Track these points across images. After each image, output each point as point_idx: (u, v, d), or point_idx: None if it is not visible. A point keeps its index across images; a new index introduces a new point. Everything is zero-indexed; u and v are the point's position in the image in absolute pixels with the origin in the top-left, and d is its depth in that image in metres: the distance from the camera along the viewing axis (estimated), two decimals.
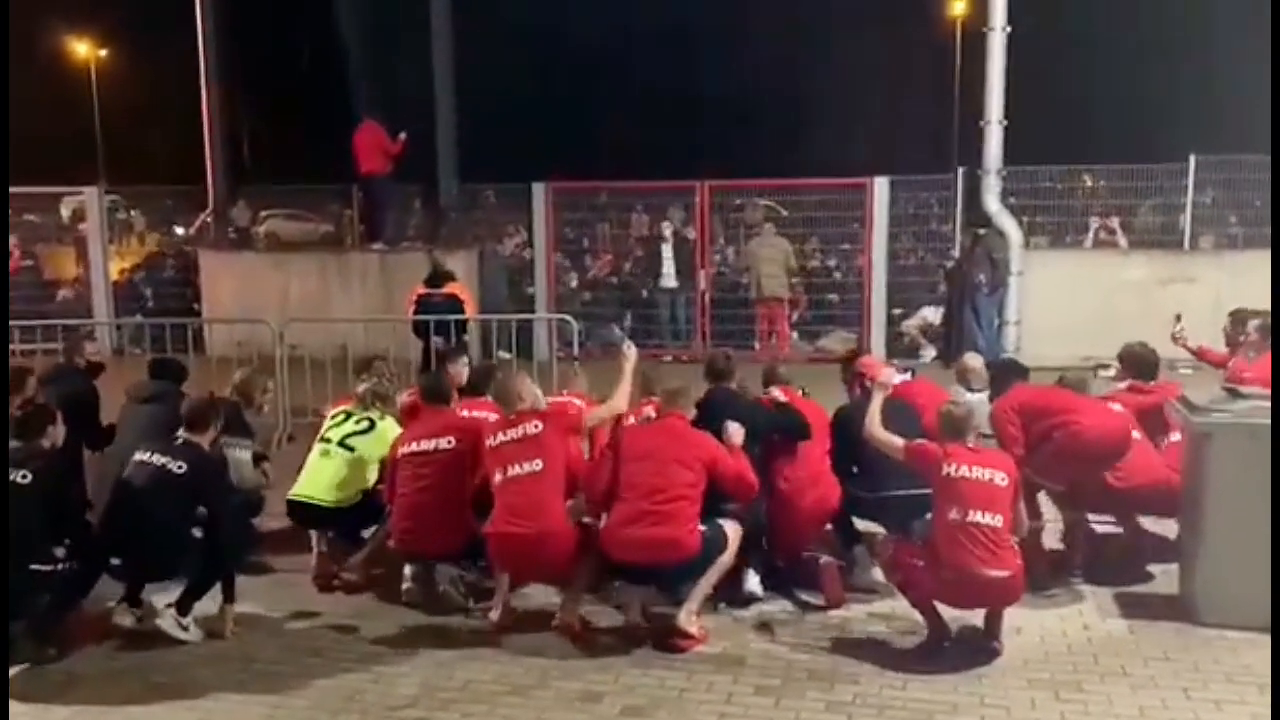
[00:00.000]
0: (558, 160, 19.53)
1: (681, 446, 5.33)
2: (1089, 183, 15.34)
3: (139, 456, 5.37)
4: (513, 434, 5.37)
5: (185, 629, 5.26)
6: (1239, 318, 6.71)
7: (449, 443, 5.68)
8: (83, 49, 36.69)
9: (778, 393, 6.00)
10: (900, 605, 5.32)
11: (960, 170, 14.21)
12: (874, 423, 5.47)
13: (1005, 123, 12.83)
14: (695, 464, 5.26)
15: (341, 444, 6.13)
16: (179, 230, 17.89)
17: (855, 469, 5.94)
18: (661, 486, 5.18)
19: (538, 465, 5.28)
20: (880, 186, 13.70)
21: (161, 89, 25.83)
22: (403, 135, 13.93)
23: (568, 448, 5.55)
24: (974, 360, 7.24)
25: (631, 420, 6.02)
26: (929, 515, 5.21)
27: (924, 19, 30.38)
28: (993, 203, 13.00)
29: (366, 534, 6.16)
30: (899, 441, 5.32)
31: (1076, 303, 12.36)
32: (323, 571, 6.05)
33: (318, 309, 12.58)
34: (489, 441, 5.43)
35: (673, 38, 30.28)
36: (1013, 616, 5.15)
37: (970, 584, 4.85)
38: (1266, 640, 5.06)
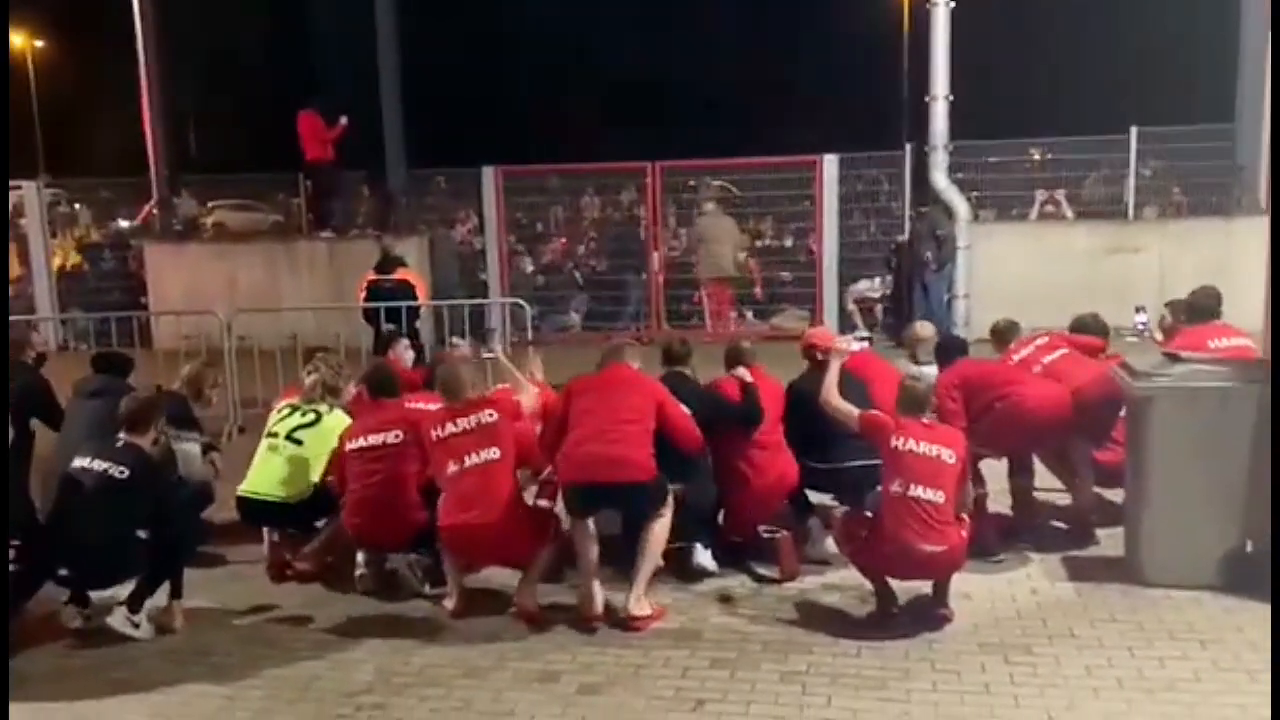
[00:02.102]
0: (507, 144, 19.43)
1: (631, 387, 5.49)
2: (1036, 156, 15.52)
3: (79, 463, 5.26)
4: (465, 424, 5.33)
5: (137, 626, 5.19)
6: (1177, 307, 6.86)
7: (396, 436, 5.63)
8: (19, 40, 35.86)
9: (744, 373, 5.95)
10: (852, 575, 5.38)
11: (909, 146, 14.32)
12: (831, 391, 5.51)
13: (951, 98, 12.93)
14: (646, 400, 5.39)
15: (289, 438, 6.05)
16: (124, 223, 17.58)
17: (809, 441, 5.99)
18: (615, 409, 5.31)
19: (495, 453, 5.27)
20: (830, 164, 13.79)
21: (101, 79, 25.33)
22: (342, 121, 13.79)
23: (517, 432, 5.54)
24: (924, 330, 7.19)
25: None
26: (880, 487, 5.27)
27: None
28: (940, 178, 13.11)
29: (319, 524, 6.12)
30: (854, 410, 5.35)
31: (1025, 274, 12.53)
32: (276, 562, 6.01)
33: (266, 299, 12.42)
34: (435, 433, 5.37)
35: (620, 19, 30.15)
36: (962, 583, 5.23)
37: (907, 556, 4.92)
38: (1209, 598, 5.22)
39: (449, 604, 5.41)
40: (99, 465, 5.20)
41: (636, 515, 5.35)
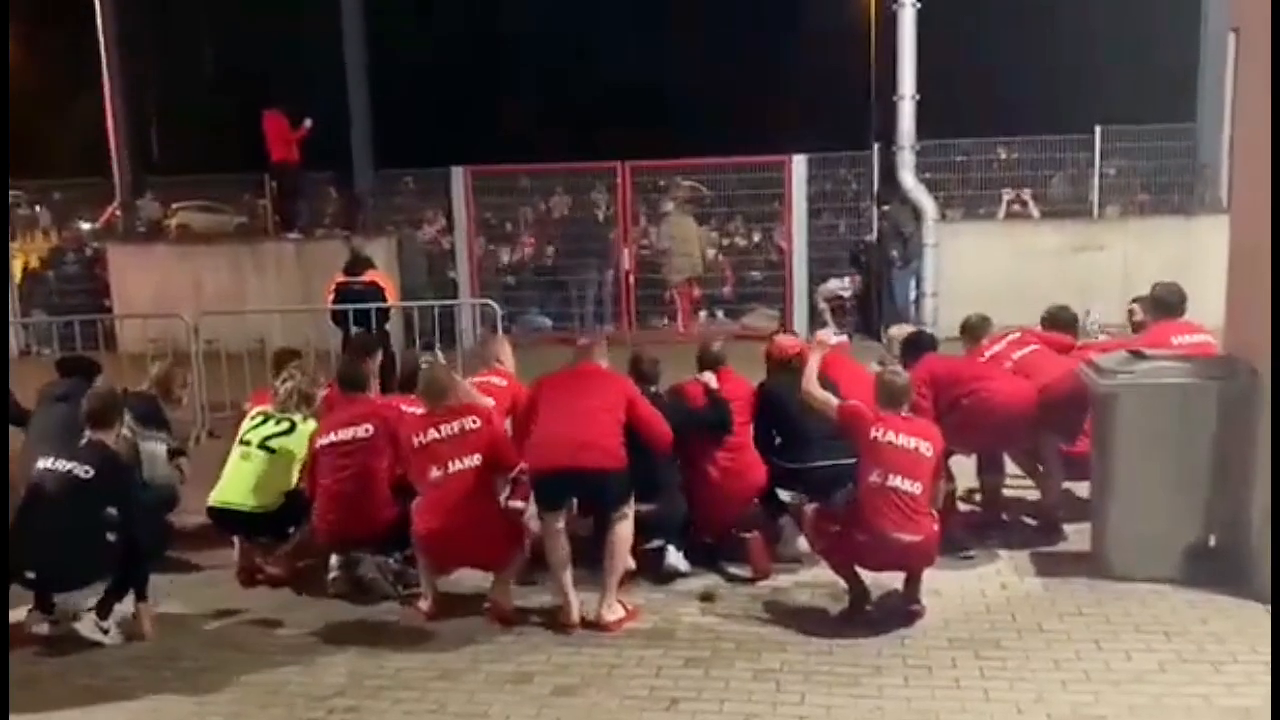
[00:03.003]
0: (476, 144, 19.35)
1: (600, 382, 5.49)
2: (1004, 155, 15.64)
3: (43, 464, 5.19)
4: (447, 430, 5.31)
5: (105, 631, 5.15)
6: (1145, 303, 6.95)
7: (366, 430, 5.63)
8: None
9: (710, 378, 5.99)
10: (824, 573, 5.42)
11: (876, 146, 14.41)
12: (812, 381, 5.52)
13: (917, 97, 13.02)
14: (616, 393, 5.39)
15: (262, 446, 5.99)
16: (85, 225, 17.36)
17: (780, 441, 6.02)
18: (585, 400, 5.31)
19: (477, 460, 5.27)
20: (798, 164, 13.85)
21: (63, 79, 25.00)
22: (307, 123, 13.68)
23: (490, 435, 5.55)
24: (898, 331, 7.21)
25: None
26: (850, 485, 5.31)
27: None
28: (907, 177, 13.19)
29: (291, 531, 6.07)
30: (834, 401, 5.37)
31: (992, 273, 12.63)
32: (246, 566, 5.95)
33: (233, 301, 12.32)
34: (417, 439, 5.33)
35: (590, 17, 30.12)
36: (933, 579, 5.27)
37: (884, 546, 4.96)
38: (1173, 591, 5.30)
39: (423, 605, 5.39)
40: (63, 466, 5.14)
41: (604, 505, 5.32)
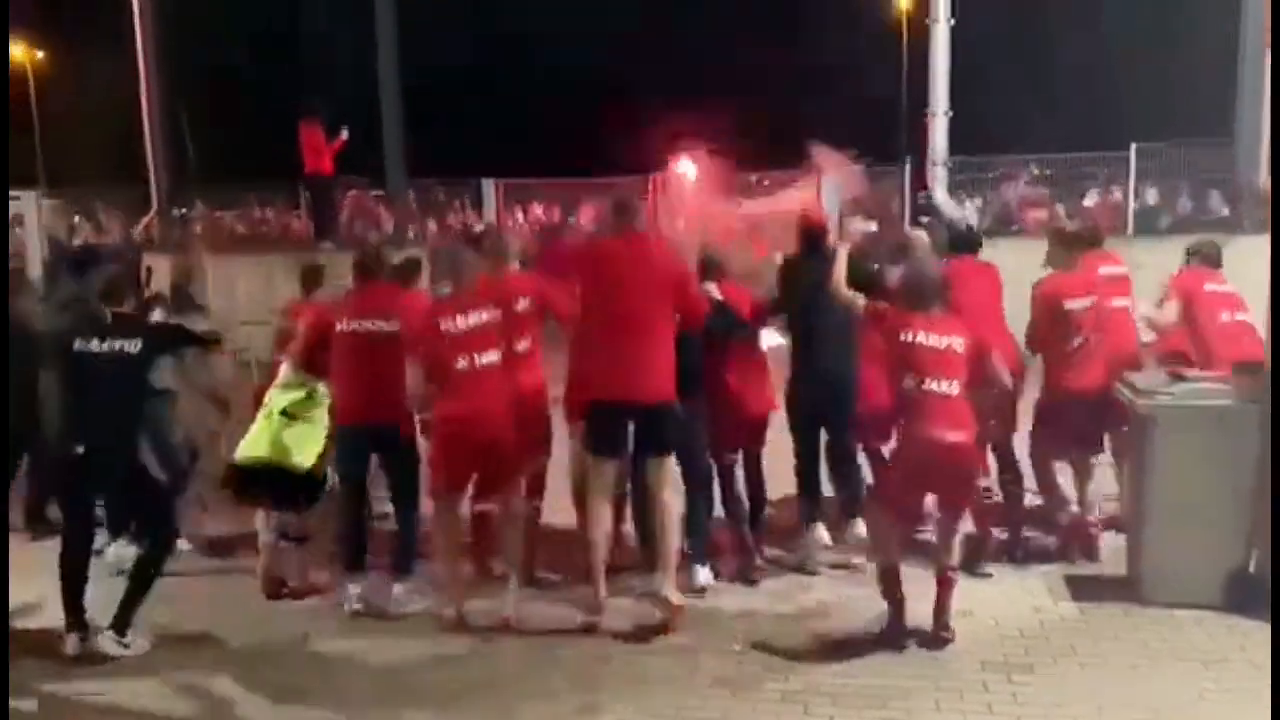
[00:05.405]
0: (508, 155, 19.42)
1: (652, 265, 5.25)
2: (1035, 172, 15.51)
3: (81, 347, 5.17)
4: (474, 319, 5.26)
5: (126, 646, 5.15)
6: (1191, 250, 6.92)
7: (390, 322, 5.54)
8: (19, 51, 35.84)
9: (712, 288, 5.85)
10: (854, 594, 5.37)
11: (907, 161, 14.32)
12: (840, 282, 5.38)
13: (950, 113, 12.94)
14: (667, 282, 5.21)
15: (283, 413, 5.91)
16: (132, 232, 17.53)
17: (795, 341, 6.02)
18: (641, 304, 5.12)
19: (497, 356, 5.28)
20: (829, 178, 13.76)
21: (102, 90, 25.36)
22: (343, 134, 13.78)
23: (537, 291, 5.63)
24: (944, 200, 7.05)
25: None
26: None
27: (872, 11, 30.53)
28: (939, 193, 13.10)
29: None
30: (860, 299, 5.29)
31: (1026, 290, 12.44)
32: (270, 577, 5.92)
33: (267, 310, 12.37)
34: (445, 325, 5.22)
35: (620, 30, 30.25)
36: (964, 599, 5.19)
37: (930, 451, 4.83)
38: (1211, 617, 5.19)
39: (449, 612, 5.36)
40: (109, 346, 5.16)
41: (656, 442, 5.20)
